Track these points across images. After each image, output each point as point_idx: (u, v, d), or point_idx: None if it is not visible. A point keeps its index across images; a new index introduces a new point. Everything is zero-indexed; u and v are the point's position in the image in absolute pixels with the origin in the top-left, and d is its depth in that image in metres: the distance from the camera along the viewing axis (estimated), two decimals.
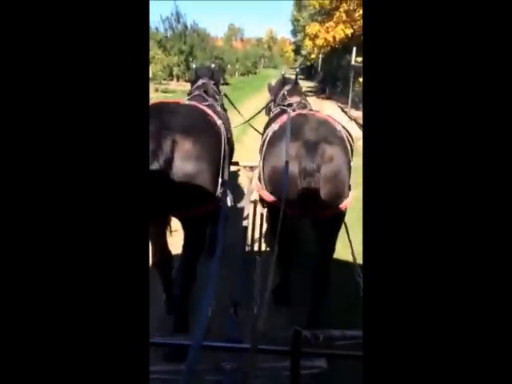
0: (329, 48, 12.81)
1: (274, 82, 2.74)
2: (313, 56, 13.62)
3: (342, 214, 1.62)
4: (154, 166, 1.26)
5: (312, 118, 1.63)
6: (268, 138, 1.65)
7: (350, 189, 1.60)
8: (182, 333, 1.51)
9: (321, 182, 1.38)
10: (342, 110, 10.59)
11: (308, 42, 12.98)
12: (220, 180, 1.59)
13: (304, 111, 1.80)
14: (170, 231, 1.76)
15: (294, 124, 1.55)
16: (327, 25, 12.05)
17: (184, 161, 1.37)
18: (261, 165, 1.67)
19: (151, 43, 14.66)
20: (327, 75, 19.76)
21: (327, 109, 10.39)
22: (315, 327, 1.22)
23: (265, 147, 1.64)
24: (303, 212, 1.51)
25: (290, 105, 2.05)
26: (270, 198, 1.60)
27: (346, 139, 1.57)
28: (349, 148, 1.56)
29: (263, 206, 1.88)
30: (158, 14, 18.10)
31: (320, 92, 16.97)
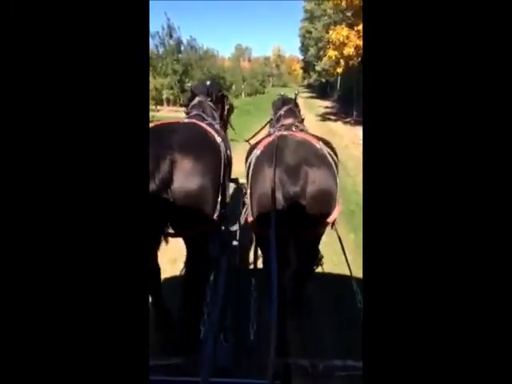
0: (359, 58, 9.71)
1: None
2: (338, 70, 10.55)
3: (324, 229, 1.61)
4: (154, 186, 1.24)
5: (291, 139, 1.61)
6: (252, 166, 1.57)
7: (334, 206, 1.53)
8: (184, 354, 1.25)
9: (306, 203, 1.37)
10: None
11: (332, 53, 9.90)
12: (220, 198, 1.55)
13: (285, 132, 1.73)
14: (166, 241, 1.55)
15: (274, 148, 1.51)
16: (360, 27, 8.99)
17: (185, 179, 1.34)
18: (248, 192, 1.61)
19: None
20: (348, 93, 16.83)
21: None
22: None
23: (250, 175, 1.56)
24: (290, 235, 1.40)
25: (282, 126, 2.03)
26: (254, 223, 1.57)
27: (328, 157, 1.52)
28: (332, 165, 1.51)
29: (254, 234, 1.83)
30: None
31: (343, 114, 13.84)
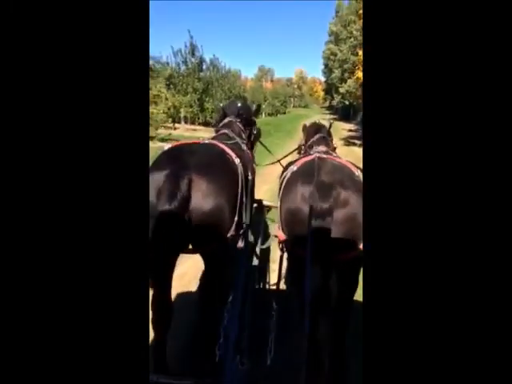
0: None
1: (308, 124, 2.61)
2: None
3: (360, 257, 1.43)
4: (170, 205, 1.23)
5: (330, 162, 1.60)
6: (286, 180, 1.61)
7: None
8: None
9: (334, 224, 1.34)
10: None
11: (361, 74, 9.26)
12: (236, 218, 1.53)
13: (324, 155, 1.72)
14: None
15: (312, 167, 1.52)
16: None
17: (199, 200, 1.34)
18: (278, 205, 1.63)
19: (159, 79, 11.77)
20: None
21: None
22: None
23: (282, 188, 1.61)
24: (318, 254, 1.37)
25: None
26: (283, 237, 1.60)
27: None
28: None
29: (279, 248, 1.81)
30: (169, 46, 15.17)
31: None
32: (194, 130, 12.91)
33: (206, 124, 14.08)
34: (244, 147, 2.02)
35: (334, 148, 2.27)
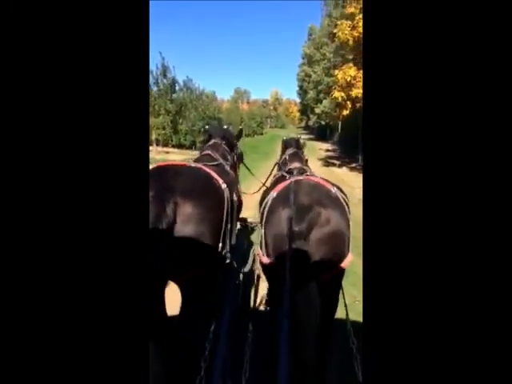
0: None
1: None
2: (345, 112, 9.63)
3: (341, 275, 1.57)
4: (156, 230, 1.22)
5: (305, 182, 1.64)
6: (268, 206, 1.62)
7: (348, 249, 1.51)
8: None
9: (314, 244, 1.36)
10: None
11: (338, 94, 9.04)
12: (221, 244, 1.54)
13: (300, 177, 1.77)
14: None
15: (290, 191, 1.57)
16: None
17: (184, 224, 1.34)
18: (262, 232, 1.63)
19: None
20: (348, 134, 16.08)
21: None
22: None
23: (266, 214, 1.61)
24: (300, 275, 1.34)
25: (290, 170, 2.06)
26: (266, 261, 1.57)
27: (341, 200, 1.54)
28: (345, 208, 1.52)
29: (264, 273, 1.78)
30: None
31: (347, 158, 12.84)
32: (167, 152, 12.25)
33: (179, 146, 13.47)
34: (227, 168, 2.02)
35: (306, 160, 2.40)
